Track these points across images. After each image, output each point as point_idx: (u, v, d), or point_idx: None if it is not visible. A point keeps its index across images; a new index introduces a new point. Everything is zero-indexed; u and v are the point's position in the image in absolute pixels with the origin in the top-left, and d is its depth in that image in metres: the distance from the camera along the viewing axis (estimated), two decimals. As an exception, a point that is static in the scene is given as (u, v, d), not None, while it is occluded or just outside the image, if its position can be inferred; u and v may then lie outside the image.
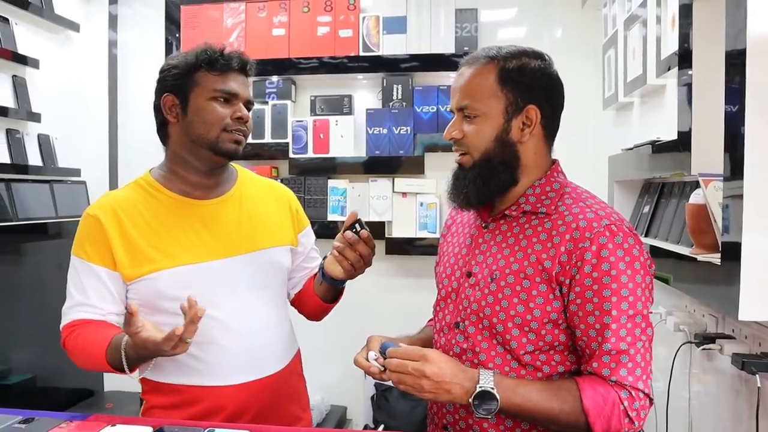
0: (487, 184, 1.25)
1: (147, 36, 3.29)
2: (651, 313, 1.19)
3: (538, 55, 1.27)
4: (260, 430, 1.23)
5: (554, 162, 1.32)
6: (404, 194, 3.02)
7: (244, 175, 1.65)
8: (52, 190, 2.93)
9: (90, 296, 1.43)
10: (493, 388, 1.13)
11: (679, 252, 1.59)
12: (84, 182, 3.20)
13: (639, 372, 1.15)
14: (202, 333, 1.26)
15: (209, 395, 1.44)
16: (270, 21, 3.10)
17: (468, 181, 1.27)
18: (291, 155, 3.08)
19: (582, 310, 1.17)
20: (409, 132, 2.99)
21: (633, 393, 1.14)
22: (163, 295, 1.42)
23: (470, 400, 1.13)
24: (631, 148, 2.04)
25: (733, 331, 1.42)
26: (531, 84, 1.23)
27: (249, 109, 1.52)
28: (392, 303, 2.94)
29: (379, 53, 3.00)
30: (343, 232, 1.44)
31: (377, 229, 2.98)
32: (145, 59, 3.30)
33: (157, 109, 1.51)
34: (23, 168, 2.76)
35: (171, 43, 3.20)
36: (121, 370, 1.33)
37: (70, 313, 1.45)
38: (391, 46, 3.00)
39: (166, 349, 1.22)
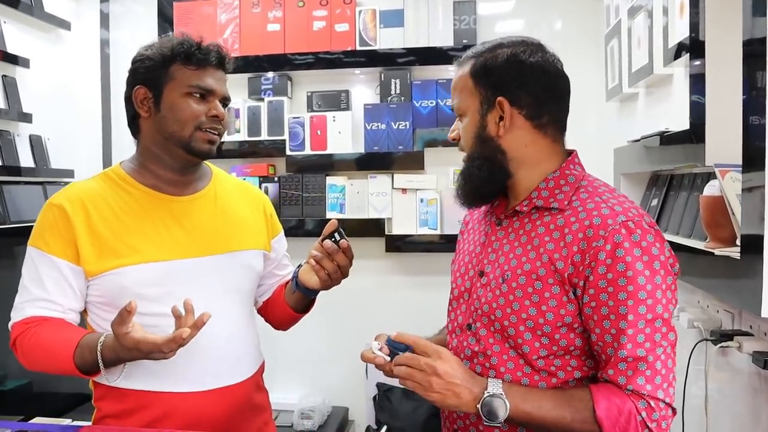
0: (474, 181, 1.23)
1: (139, 34, 3.22)
2: (675, 317, 1.13)
3: (516, 44, 1.20)
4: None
5: (571, 153, 1.26)
6: (404, 190, 2.97)
7: (218, 173, 1.59)
8: (45, 192, 2.87)
9: (49, 291, 1.35)
10: (502, 395, 1.08)
11: (693, 246, 1.55)
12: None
13: (659, 380, 1.08)
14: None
15: (167, 402, 1.36)
16: (264, 16, 3.04)
17: (463, 178, 1.26)
18: (288, 152, 3.03)
19: (597, 313, 1.09)
20: (408, 127, 2.94)
21: (652, 403, 1.07)
22: (129, 292, 1.32)
23: (478, 406, 1.08)
24: (638, 140, 1.99)
25: (751, 327, 1.38)
26: (499, 76, 1.18)
27: (225, 106, 1.46)
28: (392, 302, 2.89)
29: (377, 47, 2.95)
30: (322, 240, 1.39)
31: (376, 226, 2.93)
32: (138, 57, 3.24)
33: (129, 101, 1.45)
34: (15, 170, 2.70)
35: (164, 41, 3.14)
36: (91, 372, 1.28)
37: (25, 309, 1.36)
38: (388, 39, 2.95)
39: (166, 352, 1.18)
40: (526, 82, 1.18)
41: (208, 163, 1.57)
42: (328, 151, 2.99)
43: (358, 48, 2.97)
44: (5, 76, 2.72)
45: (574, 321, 1.13)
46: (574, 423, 1.08)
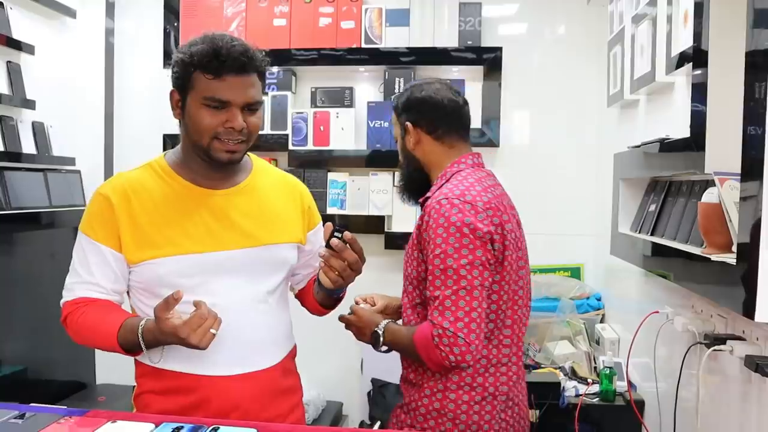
0: (406, 183, 1.73)
1: (145, 25, 3.25)
2: (475, 266, 1.45)
3: (413, 85, 1.69)
4: (265, 427, 1.20)
5: (463, 155, 1.64)
6: (404, 189, 2.99)
7: (258, 165, 1.60)
8: (45, 179, 2.88)
9: (95, 275, 1.43)
10: (380, 332, 1.58)
11: (689, 251, 1.57)
12: (78, 171, 3.15)
13: (449, 314, 1.43)
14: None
15: (202, 384, 1.42)
16: (271, 11, 3.06)
17: (401, 181, 1.77)
18: (290, 147, 3.04)
19: (423, 263, 1.53)
20: (410, 126, 2.96)
21: (440, 330, 1.43)
22: (164, 281, 1.40)
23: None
24: (639, 146, 2.02)
25: (743, 332, 1.41)
26: (404, 108, 1.66)
27: (255, 110, 1.42)
28: (390, 298, 2.91)
29: (382, 46, 2.97)
30: (327, 243, 1.43)
31: (376, 223, 2.95)
32: (143, 49, 3.25)
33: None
34: (17, 156, 2.71)
35: (169, 33, 3.15)
36: (133, 351, 1.38)
37: (75, 290, 1.44)
38: (393, 38, 2.97)
39: (183, 337, 1.25)
40: (420, 109, 1.64)
41: (250, 154, 1.58)
42: (330, 147, 3.01)
43: (364, 46, 2.99)
44: (10, 62, 2.72)
45: (418, 270, 1.55)
46: (410, 344, 1.51)
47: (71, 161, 3.07)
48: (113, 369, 3.37)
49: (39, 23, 2.94)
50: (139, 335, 1.33)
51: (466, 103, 1.69)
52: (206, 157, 1.42)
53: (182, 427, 1.15)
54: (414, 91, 1.66)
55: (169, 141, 3.14)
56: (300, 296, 1.74)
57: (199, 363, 1.41)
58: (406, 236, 2.91)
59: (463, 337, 1.41)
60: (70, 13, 3.07)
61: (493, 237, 1.48)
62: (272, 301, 1.54)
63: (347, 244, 1.42)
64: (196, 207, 1.46)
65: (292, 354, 1.64)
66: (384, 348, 1.61)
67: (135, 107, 3.29)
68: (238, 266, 1.46)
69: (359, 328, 1.65)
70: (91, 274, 1.43)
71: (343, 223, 1.45)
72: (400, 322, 1.66)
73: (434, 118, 1.63)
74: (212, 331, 1.28)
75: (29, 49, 2.79)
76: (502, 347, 1.56)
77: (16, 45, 2.73)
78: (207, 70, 1.36)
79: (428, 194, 1.60)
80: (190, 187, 1.47)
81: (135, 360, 1.48)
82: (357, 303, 1.71)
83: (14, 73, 2.73)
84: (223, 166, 1.46)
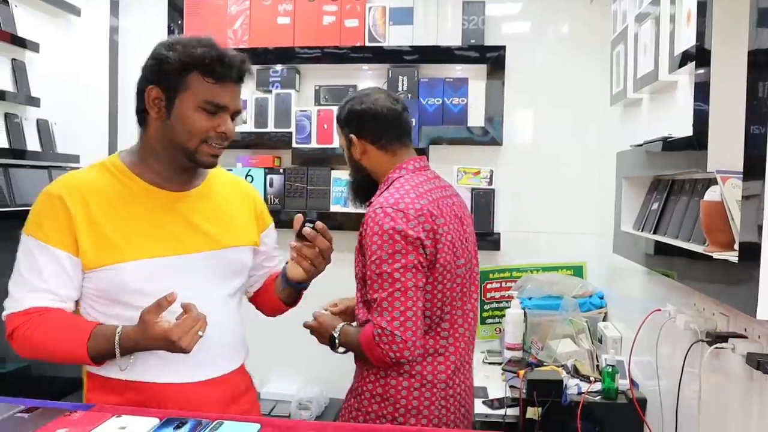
0: (355, 189, 1.81)
1: (149, 23, 3.25)
2: (408, 269, 1.55)
3: (352, 98, 1.75)
4: (269, 422, 1.21)
5: (405, 161, 1.72)
6: (407, 187, 3.00)
7: (213, 169, 1.56)
8: (50, 176, 2.89)
9: (49, 281, 1.35)
10: (336, 335, 1.69)
11: (691, 249, 1.58)
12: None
13: (386, 315, 1.54)
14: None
15: (162, 392, 1.39)
16: (275, 9, 3.07)
17: (350, 187, 1.85)
18: (294, 145, 3.05)
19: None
20: (413, 124, 2.96)
21: (379, 330, 1.54)
22: (127, 287, 1.36)
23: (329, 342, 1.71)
24: (641, 145, 2.03)
25: (745, 330, 1.41)
26: (346, 122, 1.74)
27: (235, 118, 1.45)
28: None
29: (385, 44, 2.98)
30: (298, 234, 1.50)
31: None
32: (147, 47, 3.24)
33: (140, 94, 1.42)
34: (21, 153, 2.72)
35: (173, 31, 3.16)
36: (99, 361, 1.33)
37: (24, 300, 1.35)
38: (397, 37, 2.98)
39: (174, 340, 1.24)
40: (361, 121, 1.71)
41: None
42: (333, 145, 3.02)
43: (367, 44, 3.00)
44: (14, 59, 2.74)
45: (363, 271, 1.64)
46: (358, 344, 1.61)
47: (75, 158, 3.07)
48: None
49: (44, 21, 2.95)
50: (116, 342, 1.29)
51: (405, 109, 1.76)
52: (188, 159, 1.41)
53: (186, 422, 1.16)
54: (354, 104, 1.73)
55: (173, 139, 3.15)
56: (256, 298, 1.74)
57: (163, 371, 1.38)
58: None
59: (400, 335, 1.53)
60: (75, 11, 3.08)
61: (423, 242, 1.57)
62: (233, 304, 1.55)
63: (318, 233, 1.49)
64: (157, 209, 1.43)
65: (246, 356, 1.64)
66: (341, 349, 1.71)
67: (139, 105, 3.30)
68: (201, 269, 1.45)
69: (320, 332, 1.75)
70: (44, 281, 1.34)
71: (312, 218, 1.51)
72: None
73: (376, 129, 1.71)
74: (200, 333, 1.28)
75: (34, 47, 2.80)
76: (439, 338, 1.67)
77: (21, 43, 2.74)
78: (209, 74, 1.36)
79: (372, 199, 1.70)
80: (150, 188, 1.43)
81: (87, 374, 1.42)
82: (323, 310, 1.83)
83: (19, 70, 2.74)
84: (195, 168, 1.47)
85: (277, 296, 1.65)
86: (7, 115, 2.68)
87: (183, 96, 1.37)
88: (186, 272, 1.42)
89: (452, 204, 1.73)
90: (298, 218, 1.50)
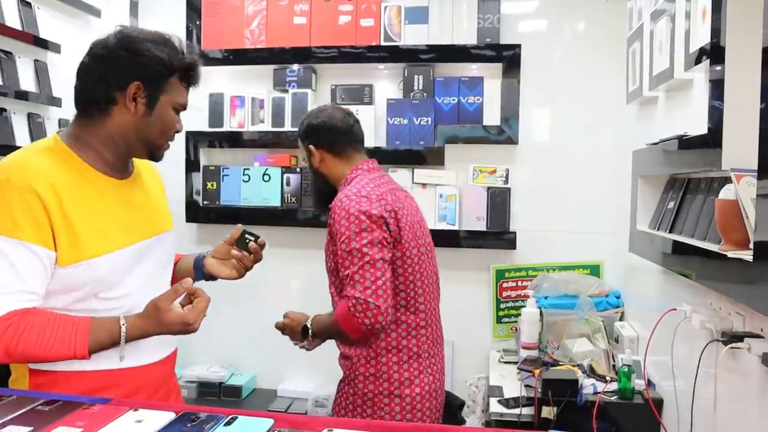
0: (316, 195, 2.10)
1: (168, 23, 3.28)
2: (374, 244, 1.76)
3: (310, 113, 2.03)
4: (282, 418, 1.22)
5: (359, 163, 1.95)
6: (423, 185, 3.01)
7: None
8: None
9: (28, 281, 1.28)
10: (308, 324, 1.91)
11: (707, 248, 1.57)
12: (103, 168, 3.21)
13: (358, 286, 1.72)
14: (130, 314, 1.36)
15: (129, 377, 1.42)
16: (291, 9, 3.09)
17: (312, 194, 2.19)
18: (310, 144, 3.07)
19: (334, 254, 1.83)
20: (429, 123, 2.97)
21: (353, 300, 1.71)
22: (99, 281, 1.35)
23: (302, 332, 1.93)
24: (657, 143, 2.01)
25: (761, 330, 1.40)
26: (305, 134, 1.99)
27: None
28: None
29: (401, 43, 2.99)
30: (234, 243, 1.63)
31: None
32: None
33: (106, 85, 1.38)
34: (44, 153, 2.76)
35: (191, 31, 3.20)
36: (90, 354, 1.32)
37: (2, 303, 1.26)
38: (412, 36, 2.98)
39: (192, 323, 1.35)
40: (319, 133, 1.96)
41: None
42: (349, 144, 3.03)
43: (383, 43, 3.01)
44: (37, 60, 2.79)
45: (335, 261, 1.84)
46: (333, 325, 1.81)
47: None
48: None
49: (65, 22, 3.00)
50: (123, 333, 1.32)
51: (356, 121, 2.02)
52: (149, 153, 1.47)
53: (200, 416, 1.18)
54: (311, 119, 1.99)
55: (191, 137, 3.19)
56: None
57: (134, 354, 1.41)
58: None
59: (373, 302, 1.71)
60: (95, 12, 3.13)
61: (387, 220, 1.80)
62: (169, 287, 1.52)
63: (259, 248, 1.63)
64: (109, 198, 1.41)
65: None
66: (315, 342, 1.93)
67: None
68: (151, 255, 1.48)
69: (292, 328, 1.94)
70: (23, 282, 1.27)
71: (251, 231, 1.64)
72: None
73: (331, 138, 1.94)
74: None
75: (55, 48, 2.85)
76: (419, 312, 1.88)
77: (43, 44, 2.79)
78: (184, 80, 1.44)
79: (335, 199, 1.90)
80: (100, 176, 1.41)
81: (30, 370, 1.36)
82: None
83: (41, 71, 2.79)
84: (154, 161, 1.53)
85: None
86: (30, 115, 2.73)
87: (164, 97, 1.41)
88: (143, 259, 1.46)
89: (406, 195, 2.01)
90: (238, 229, 1.63)
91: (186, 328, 1.35)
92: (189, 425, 1.14)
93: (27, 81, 2.71)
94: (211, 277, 1.68)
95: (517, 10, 2.99)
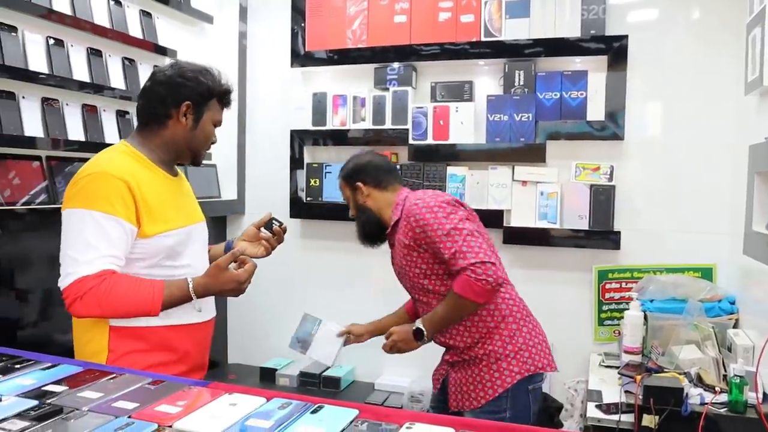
0: (364, 229, 2.24)
1: (274, 26, 3.43)
2: (463, 219, 2.00)
3: (354, 157, 2.30)
4: (367, 408, 1.25)
5: (398, 191, 2.22)
6: (524, 183, 2.95)
7: None
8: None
9: (117, 247, 1.63)
10: (419, 326, 2.09)
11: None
12: (215, 165, 3.40)
13: (470, 253, 1.91)
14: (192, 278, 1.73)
15: (187, 331, 1.79)
16: (392, 8, 3.12)
17: (359, 230, 2.27)
18: (410, 141, 3.10)
19: (432, 248, 2.01)
20: (530, 119, 2.91)
21: (471, 268, 1.90)
22: (171, 251, 1.74)
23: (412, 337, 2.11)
24: (777, 137, 1.87)
25: None
26: (351, 174, 2.23)
27: None
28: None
29: (501, 38, 2.94)
30: (263, 227, 2.01)
31: (495, 217, 2.93)
32: (271, 49, 3.44)
33: (164, 103, 1.77)
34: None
35: (296, 33, 3.31)
36: (162, 309, 1.67)
37: (95, 263, 1.59)
38: (513, 30, 2.93)
39: (243, 281, 1.74)
40: (365, 170, 2.22)
41: None
42: (449, 141, 3.03)
43: (483, 39, 2.98)
44: (156, 66, 2.98)
45: (433, 260, 2.05)
46: (455, 305, 2.00)
47: (209, 156, 3.31)
48: (243, 350, 3.62)
49: (180, 30, 3.20)
50: (191, 289, 1.70)
51: (395, 167, 2.50)
52: (192, 159, 1.87)
53: (290, 403, 1.23)
54: (356, 161, 2.25)
55: (296, 136, 3.31)
56: None
57: (192, 313, 1.79)
58: (525, 231, 2.91)
59: (488, 260, 1.91)
60: (208, 19, 3.32)
61: (458, 202, 2.09)
62: None
63: (282, 232, 2.02)
64: (170, 189, 1.82)
65: None
66: (419, 338, 2.09)
67: (265, 105, 3.49)
68: (201, 236, 1.91)
69: (404, 340, 2.13)
70: (114, 247, 1.62)
71: (277, 218, 2.04)
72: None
73: (377, 174, 2.20)
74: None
75: (173, 54, 3.05)
76: (508, 285, 2.14)
77: (162, 51, 2.99)
78: (221, 102, 1.87)
79: (392, 223, 2.16)
80: (161, 171, 1.81)
81: (110, 327, 1.69)
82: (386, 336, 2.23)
83: (160, 75, 2.99)
84: (195, 166, 1.96)
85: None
86: (149, 117, 2.94)
87: (206, 115, 1.82)
88: (194, 238, 1.85)
89: None
90: (268, 215, 2.02)
91: (239, 286, 1.74)
92: (278, 410, 1.19)
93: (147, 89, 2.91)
94: None
95: (624, 0, 2.86)
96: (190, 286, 1.70)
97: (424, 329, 2.07)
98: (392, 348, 2.16)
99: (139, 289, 1.64)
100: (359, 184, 2.20)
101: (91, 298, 1.58)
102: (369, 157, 2.27)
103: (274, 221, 2.01)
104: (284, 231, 2.03)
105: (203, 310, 1.84)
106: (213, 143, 1.90)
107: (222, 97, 1.86)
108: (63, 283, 1.60)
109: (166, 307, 1.68)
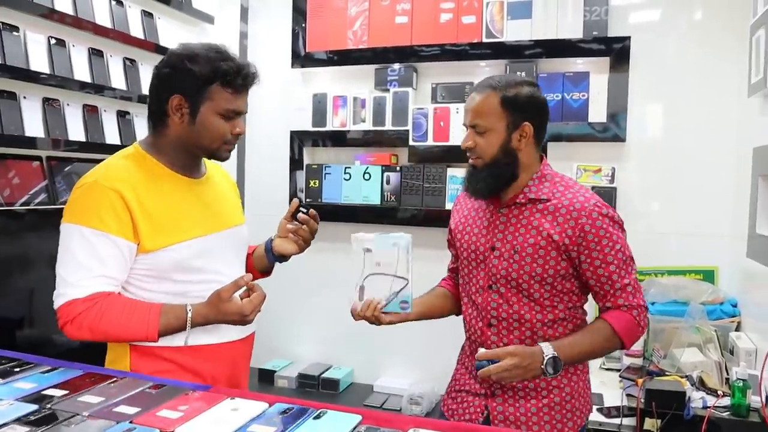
0: (496, 181, 1.67)
1: (275, 26, 3.42)
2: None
3: (530, 83, 1.68)
4: (369, 413, 1.24)
5: (542, 158, 1.73)
6: (524, 184, 2.93)
7: (204, 159, 1.72)
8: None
9: (110, 267, 1.47)
10: (555, 355, 1.54)
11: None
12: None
13: (639, 295, 1.64)
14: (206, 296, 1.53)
15: (214, 352, 1.60)
16: (393, 9, 3.12)
17: (480, 179, 1.68)
18: (411, 143, 3.09)
19: (591, 265, 1.62)
20: (531, 121, 2.90)
21: (638, 309, 1.63)
22: (180, 265, 1.54)
23: (542, 367, 1.54)
24: (780, 140, 1.86)
25: None
26: (525, 106, 1.63)
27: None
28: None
29: (503, 39, 2.94)
30: (291, 217, 1.74)
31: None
32: (272, 49, 3.43)
33: (158, 99, 1.56)
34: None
35: (297, 33, 3.30)
36: (159, 336, 1.49)
37: (86, 285, 1.45)
38: (515, 31, 2.93)
39: (248, 314, 1.52)
40: (540, 113, 1.67)
41: None
42: (450, 143, 3.02)
43: (485, 40, 2.97)
44: (157, 66, 2.97)
45: (567, 272, 1.64)
46: (605, 344, 1.63)
47: (209, 158, 3.29)
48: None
49: (181, 30, 3.18)
50: (189, 319, 1.50)
51: None
52: (209, 156, 1.61)
53: (292, 408, 1.22)
54: (536, 92, 1.67)
55: (296, 137, 3.30)
56: None
57: (209, 333, 1.57)
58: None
59: (646, 306, 1.66)
60: (209, 19, 3.30)
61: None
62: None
63: (310, 218, 1.72)
64: (187, 194, 1.61)
65: None
66: (552, 370, 1.54)
67: (265, 106, 3.47)
68: (227, 245, 1.67)
69: (527, 368, 1.53)
70: (105, 267, 1.46)
71: (305, 205, 1.88)
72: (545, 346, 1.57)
73: (543, 125, 1.70)
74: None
75: (173, 54, 3.03)
76: None
77: (163, 51, 2.95)
78: (229, 86, 1.53)
79: (530, 195, 1.67)
80: (176, 176, 1.61)
81: (131, 347, 1.54)
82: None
83: (160, 76, 2.98)
84: (220, 161, 1.67)
85: (255, 268, 1.84)
86: (149, 117, 2.93)
87: (205, 105, 1.53)
88: (217, 249, 1.63)
89: None
90: (295, 202, 1.75)
91: (242, 318, 1.52)
92: (280, 416, 1.18)
93: (148, 86, 2.90)
94: (282, 257, 1.79)
95: (626, 2, 2.85)
96: (189, 315, 1.50)
97: (560, 361, 1.54)
98: (502, 375, 1.52)
99: (133, 315, 1.48)
100: (528, 124, 1.63)
101: (81, 322, 1.45)
102: (542, 94, 1.70)
103: (301, 209, 1.73)
104: (313, 218, 1.73)
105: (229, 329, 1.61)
106: (236, 135, 1.58)
107: (226, 80, 1.52)
108: (55, 303, 1.49)
109: (163, 334, 1.50)
